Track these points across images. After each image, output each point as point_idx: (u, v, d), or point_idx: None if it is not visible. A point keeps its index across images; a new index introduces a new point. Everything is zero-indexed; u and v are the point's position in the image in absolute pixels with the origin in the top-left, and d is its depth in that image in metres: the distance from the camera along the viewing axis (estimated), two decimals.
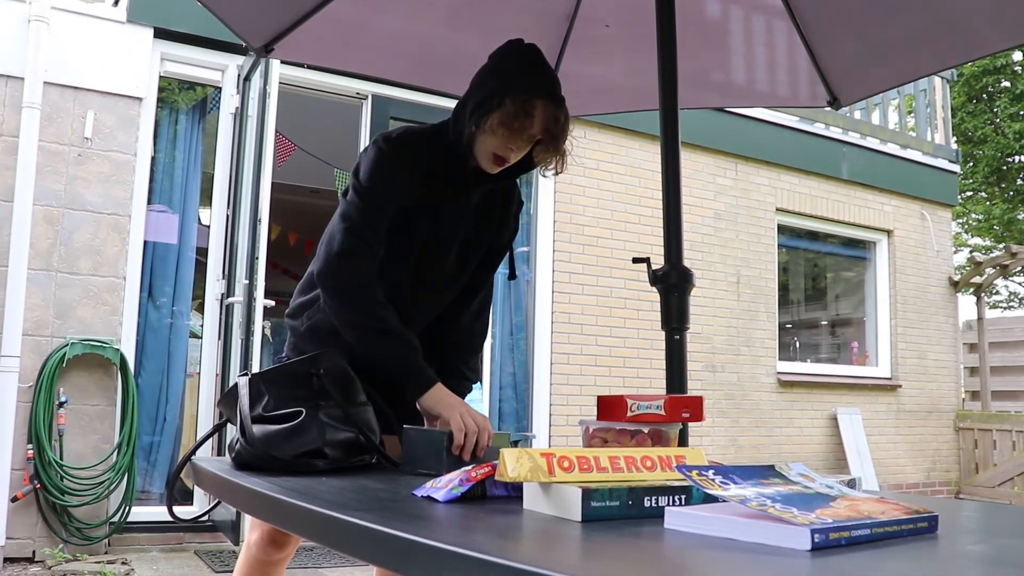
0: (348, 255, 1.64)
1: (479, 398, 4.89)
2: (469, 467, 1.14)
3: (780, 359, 6.54)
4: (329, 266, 1.65)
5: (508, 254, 1.97)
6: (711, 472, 0.94)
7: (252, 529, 1.79)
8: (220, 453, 3.93)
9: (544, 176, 1.78)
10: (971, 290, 8.20)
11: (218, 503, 1.93)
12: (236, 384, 1.52)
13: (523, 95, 1.62)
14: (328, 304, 1.69)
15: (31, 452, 3.85)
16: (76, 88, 4.20)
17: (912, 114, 8.97)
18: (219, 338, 4.49)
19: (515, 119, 1.61)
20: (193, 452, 1.59)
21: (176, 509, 4.37)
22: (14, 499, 3.80)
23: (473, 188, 1.76)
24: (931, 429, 7.31)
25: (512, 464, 0.99)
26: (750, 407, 6.23)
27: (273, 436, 1.41)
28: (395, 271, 1.73)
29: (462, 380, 1.86)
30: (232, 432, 1.50)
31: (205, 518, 4.13)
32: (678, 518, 0.90)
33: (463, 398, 1.79)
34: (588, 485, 0.96)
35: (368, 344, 1.64)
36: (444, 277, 1.83)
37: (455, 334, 1.89)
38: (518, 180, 1.89)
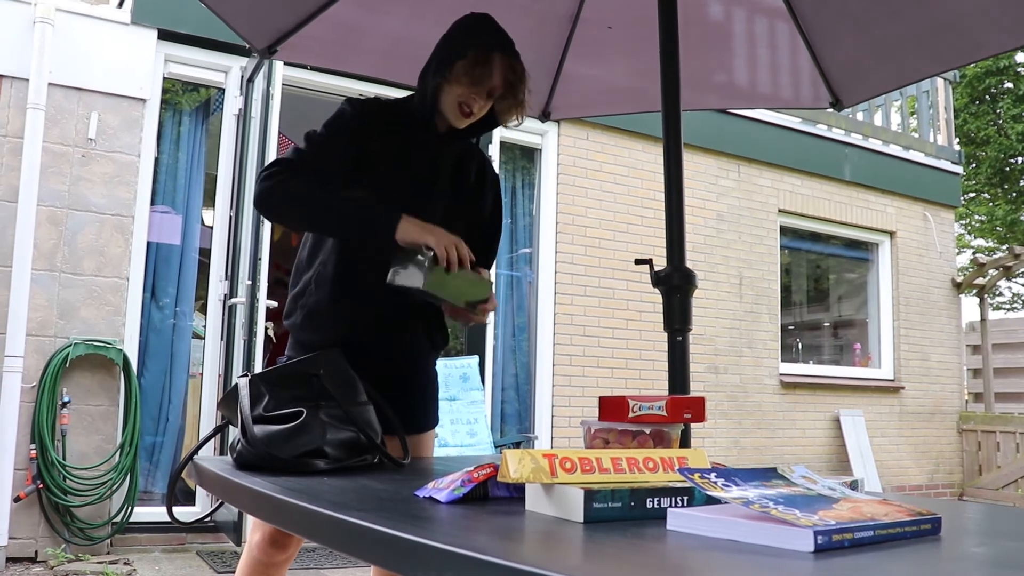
0: (271, 176, 1.66)
1: (481, 399, 4.87)
2: (471, 467, 1.14)
3: (782, 361, 6.53)
4: (259, 191, 1.67)
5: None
6: (713, 474, 0.93)
7: (254, 530, 1.78)
8: (222, 454, 3.93)
9: (507, 128, 1.85)
10: (974, 291, 8.19)
11: (220, 506, 1.92)
12: (236, 385, 1.52)
13: (482, 48, 1.74)
14: (271, 216, 1.74)
15: (34, 452, 3.86)
16: (80, 89, 4.21)
17: (915, 115, 8.95)
18: (222, 339, 4.50)
19: (476, 67, 1.72)
20: (194, 453, 1.59)
21: (177, 510, 4.37)
22: (17, 499, 3.80)
23: (442, 148, 1.83)
24: (934, 431, 7.29)
25: (514, 465, 0.99)
26: (752, 408, 6.23)
27: (274, 436, 1.41)
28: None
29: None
30: (233, 433, 1.50)
31: (208, 519, 4.12)
32: (680, 520, 0.90)
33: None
34: (590, 486, 0.96)
35: (322, 223, 1.71)
36: None
37: None
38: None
